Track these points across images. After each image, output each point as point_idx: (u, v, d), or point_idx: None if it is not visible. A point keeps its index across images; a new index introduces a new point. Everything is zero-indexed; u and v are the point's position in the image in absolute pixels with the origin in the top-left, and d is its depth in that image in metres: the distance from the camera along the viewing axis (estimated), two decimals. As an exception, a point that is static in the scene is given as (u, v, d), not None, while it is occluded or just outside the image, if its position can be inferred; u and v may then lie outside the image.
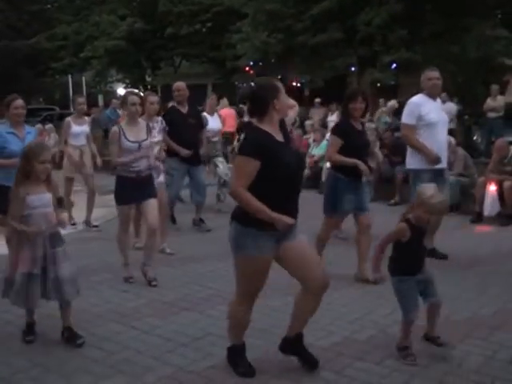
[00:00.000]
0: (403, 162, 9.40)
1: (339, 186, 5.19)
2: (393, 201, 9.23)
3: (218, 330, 4.15)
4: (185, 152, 6.85)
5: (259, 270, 3.31)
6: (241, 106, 15.97)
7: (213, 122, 8.23)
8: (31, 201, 3.83)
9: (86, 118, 8.32)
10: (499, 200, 7.60)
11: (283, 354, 3.57)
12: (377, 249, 3.69)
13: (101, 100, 32.41)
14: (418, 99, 5.81)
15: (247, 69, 23.17)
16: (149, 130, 5.45)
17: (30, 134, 5.53)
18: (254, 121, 3.35)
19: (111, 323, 4.35)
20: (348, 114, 5.21)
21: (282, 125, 3.44)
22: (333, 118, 15.52)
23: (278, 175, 3.18)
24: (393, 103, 14.24)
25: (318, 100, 18.03)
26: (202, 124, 7.36)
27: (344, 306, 4.62)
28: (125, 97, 5.44)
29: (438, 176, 5.70)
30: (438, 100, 5.96)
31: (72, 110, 18.34)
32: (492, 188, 7.63)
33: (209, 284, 5.24)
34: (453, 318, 4.31)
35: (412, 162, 5.93)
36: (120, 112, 15.26)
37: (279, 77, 19.06)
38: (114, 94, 29.84)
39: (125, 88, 31.09)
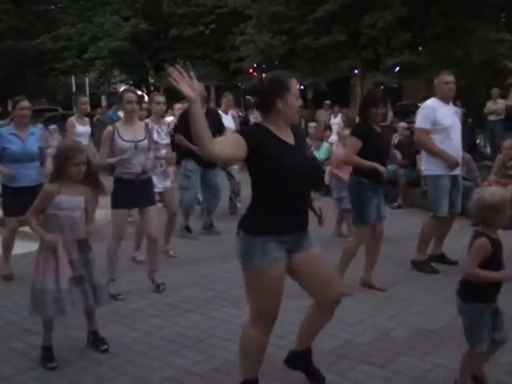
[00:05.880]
0: (409, 166, 9.53)
1: (364, 192, 4.97)
2: (396, 204, 9.22)
3: (220, 332, 4.15)
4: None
5: (270, 282, 2.95)
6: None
7: (226, 121, 8.22)
8: (61, 200, 3.63)
9: (86, 118, 8.30)
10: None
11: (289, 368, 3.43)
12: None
13: (104, 101, 32.46)
14: (432, 103, 5.66)
15: (251, 71, 23.18)
16: (147, 131, 5.06)
17: (33, 135, 5.56)
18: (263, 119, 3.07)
19: (114, 324, 4.35)
20: (368, 118, 5.04)
21: (298, 132, 3.17)
22: (336, 121, 15.52)
23: (275, 176, 2.91)
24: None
25: (327, 102, 17.99)
26: (221, 125, 7.13)
27: (346, 308, 4.59)
28: (121, 94, 5.09)
29: (453, 182, 5.66)
30: (451, 104, 5.83)
31: (75, 110, 18.29)
32: None
33: (212, 286, 5.23)
34: (459, 322, 4.29)
35: (429, 167, 5.71)
36: (120, 113, 15.27)
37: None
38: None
39: (128, 89, 31.16)
